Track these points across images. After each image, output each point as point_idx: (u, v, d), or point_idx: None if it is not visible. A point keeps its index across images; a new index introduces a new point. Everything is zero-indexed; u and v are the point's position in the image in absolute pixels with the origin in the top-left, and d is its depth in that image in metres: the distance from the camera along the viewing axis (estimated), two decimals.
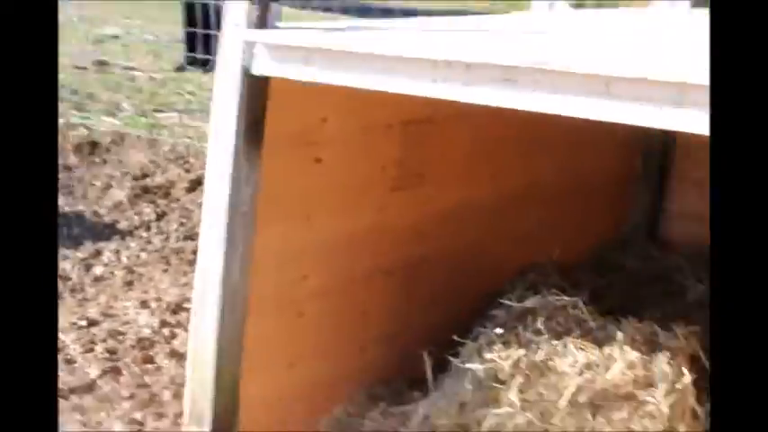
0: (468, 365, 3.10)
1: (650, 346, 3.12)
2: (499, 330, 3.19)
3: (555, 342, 3.09)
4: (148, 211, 5.55)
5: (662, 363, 3.05)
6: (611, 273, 4.25)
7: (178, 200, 5.75)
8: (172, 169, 6.17)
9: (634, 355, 3.05)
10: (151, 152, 6.47)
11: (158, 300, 4.47)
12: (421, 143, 3.42)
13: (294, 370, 3.20)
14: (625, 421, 2.99)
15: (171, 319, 4.29)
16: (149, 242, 5.18)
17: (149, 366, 3.90)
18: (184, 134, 6.98)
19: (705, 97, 2.17)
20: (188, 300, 3.98)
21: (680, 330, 3.16)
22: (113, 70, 9.15)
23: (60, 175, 5.20)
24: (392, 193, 3.38)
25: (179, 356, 3.88)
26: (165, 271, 4.83)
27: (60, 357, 3.65)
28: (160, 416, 3.56)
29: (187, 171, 6.11)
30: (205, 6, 9.14)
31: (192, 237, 5.09)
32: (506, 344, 3.11)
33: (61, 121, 6.33)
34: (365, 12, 11.43)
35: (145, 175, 6.04)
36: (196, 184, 5.70)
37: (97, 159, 6.18)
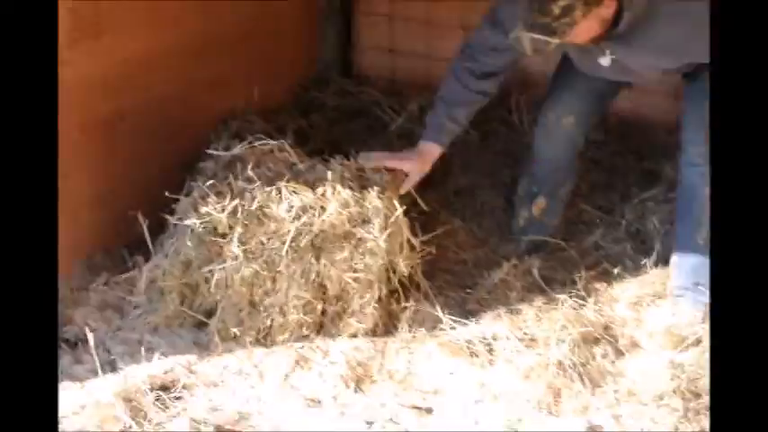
0: (185, 222, 3.01)
1: (359, 183, 3.16)
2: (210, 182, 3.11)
3: (268, 188, 3.06)
4: None
5: (374, 198, 3.10)
6: (313, 112, 4.23)
7: None
8: None
9: (346, 194, 3.08)
10: None
11: None
12: None
13: None
14: (347, 260, 3.03)
15: None
16: None
17: None
18: None
19: None
20: None
21: None
22: None
23: None
24: (70, 47, 3.13)
25: None
26: None
27: None
28: None
29: None
30: None
31: None
32: (220, 195, 3.05)
33: None
34: None
35: None
36: None
37: None
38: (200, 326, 3.04)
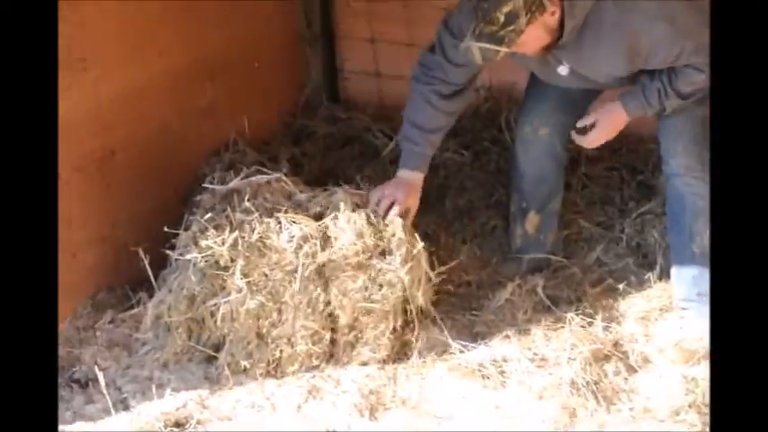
0: (187, 257, 2.98)
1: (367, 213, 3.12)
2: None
3: (267, 219, 3.04)
4: None
5: (398, 230, 3.07)
6: (304, 140, 4.22)
7: None
8: None
9: (361, 223, 3.04)
10: None
11: None
12: (77, 24, 3.15)
13: None
14: (360, 290, 3.00)
15: None
16: None
17: None
18: None
19: None
20: None
21: None
22: None
23: None
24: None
25: None
26: None
27: None
28: None
29: None
30: None
31: None
32: (219, 228, 3.02)
33: None
34: None
35: None
36: None
37: None
38: (209, 360, 3.02)
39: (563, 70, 3.12)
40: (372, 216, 3.08)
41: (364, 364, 3.02)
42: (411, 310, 3.08)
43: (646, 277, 3.40)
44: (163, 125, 3.58)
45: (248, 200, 3.09)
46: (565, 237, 3.66)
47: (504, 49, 2.86)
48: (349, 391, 2.88)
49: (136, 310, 3.12)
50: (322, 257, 2.98)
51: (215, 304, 2.94)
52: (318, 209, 3.11)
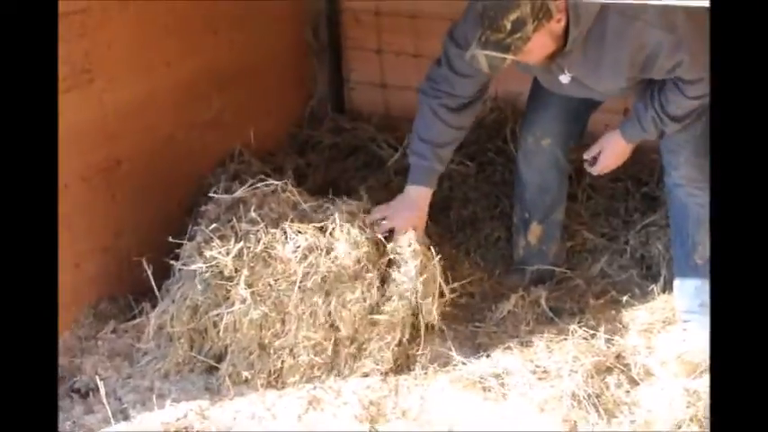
0: (191, 267, 2.99)
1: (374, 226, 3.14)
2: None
3: (272, 230, 3.04)
4: None
5: (413, 241, 3.08)
6: (309, 151, 4.23)
7: None
8: None
9: (357, 234, 3.05)
10: None
11: None
12: (82, 35, 3.16)
13: None
14: (359, 301, 3.00)
15: None
16: None
17: None
18: None
19: None
20: None
21: None
22: None
23: None
24: (63, 95, 3.10)
25: None
26: None
27: None
28: None
29: None
30: None
31: None
32: (223, 238, 3.02)
33: None
34: None
35: None
36: None
37: None
38: (211, 371, 3.02)
39: (564, 78, 3.13)
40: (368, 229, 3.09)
41: (366, 375, 3.02)
42: (420, 324, 3.08)
43: (649, 289, 3.40)
44: (168, 136, 3.60)
45: (254, 210, 3.09)
46: (569, 248, 3.66)
47: (510, 57, 2.85)
48: (349, 402, 2.88)
49: (138, 320, 3.13)
50: (323, 268, 2.98)
51: (218, 314, 2.95)
52: (321, 218, 3.11)
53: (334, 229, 3.05)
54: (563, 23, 2.90)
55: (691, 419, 2.79)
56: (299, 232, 3.03)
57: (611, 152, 3.28)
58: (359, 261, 3.01)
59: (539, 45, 2.90)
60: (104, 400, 2.81)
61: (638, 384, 2.98)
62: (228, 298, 2.96)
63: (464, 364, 3.03)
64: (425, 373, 3.02)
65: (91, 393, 2.91)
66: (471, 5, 3.05)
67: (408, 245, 3.06)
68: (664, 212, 3.62)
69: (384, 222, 3.16)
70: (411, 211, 3.19)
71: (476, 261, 3.60)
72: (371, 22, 4.58)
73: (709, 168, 3.11)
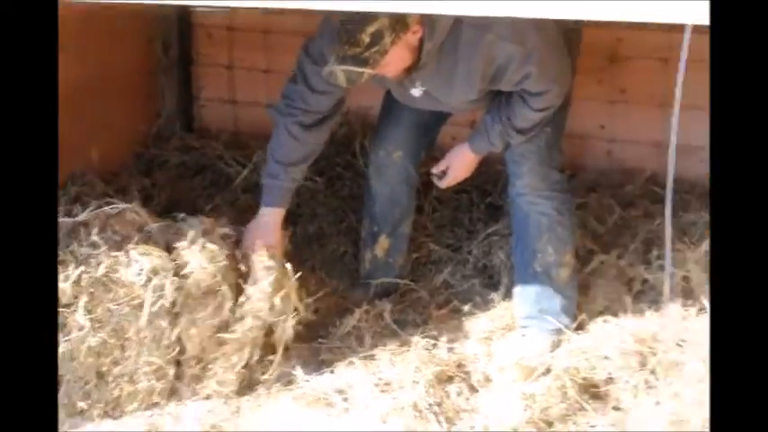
0: None
1: (225, 241, 3.13)
2: None
3: (115, 253, 3.00)
4: None
5: (264, 258, 3.08)
6: (155, 170, 4.19)
7: None
8: None
9: (213, 248, 3.04)
10: None
11: None
12: None
13: None
14: (210, 318, 2.99)
15: None
16: None
17: None
18: None
19: None
20: None
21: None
22: None
23: None
24: None
25: None
26: None
27: None
28: None
29: None
30: None
31: None
32: (63, 264, 2.96)
33: None
34: None
35: None
36: None
37: None
38: None
39: (416, 92, 3.19)
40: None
41: (208, 397, 3.01)
42: (272, 342, 3.08)
43: (490, 297, 3.48)
44: None
45: (96, 233, 3.04)
46: (414, 260, 3.72)
47: (368, 71, 2.88)
48: (190, 427, 2.86)
49: None
50: (168, 289, 2.96)
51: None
52: (168, 238, 3.08)
53: (186, 245, 3.03)
54: (419, 35, 2.95)
55: (527, 422, 2.87)
56: (144, 254, 3.01)
57: (459, 165, 3.36)
58: (214, 276, 3.00)
59: (396, 58, 2.94)
60: None
61: (477, 391, 3.05)
62: (66, 326, 2.90)
63: (307, 381, 3.05)
64: (269, 393, 3.04)
65: None
66: (326, 21, 3.07)
67: (262, 262, 3.07)
68: (506, 222, 3.71)
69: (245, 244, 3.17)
70: (266, 234, 3.20)
71: (321, 277, 3.62)
72: (224, 38, 4.58)
73: (552, 177, 3.27)
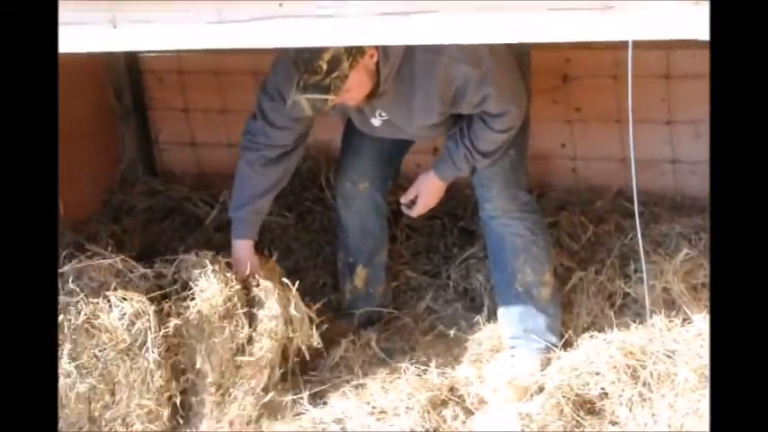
0: None
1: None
2: None
3: (95, 300, 2.96)
4: None
5: (260, 280, 3.10)
6: (123, 216, 4.15)
7: None
8: None
9: (224, 278, 3.03)
10: None
11: None
12: None
13: None
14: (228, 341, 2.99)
15: None
16: None
17: None
18: None
19: None
20: None
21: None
22: None
23: None
24: None
25: None
26: None
27: None
28: None
29: None
30: None
31: None
32: None
33: None
34: None
35: None
36: None
37: None
38: None
39: (376, 121, 3.19)
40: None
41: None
42: (291, 358, 3.11)
43: (475, 320, 3.48)
44: None
45: (72, 281, 3.01)
46: (394, 288, 3.72)
47: (331, 97, 2.88)
48: None
49: None
50: (172, 325, 2.94)
51: None
52: (147, 284, 3.06)
53: (196, 276, 3.02)
54: (375, 59, 2.96)
55: None
56: (125, 299, 2.97)
57: (427, 192, 3.36)
58: (229, 299, 2.99)
59: (356, 83, 2.94)
60: None
61: (472, 414, 3.04)
62: None
63: (300, 414, 3.03)
64: (270, 423, 3.02)
65: None
66: (278, 58, 3.09)
67: (258, 285, 3.07)
68: (481, 245, 3.72)
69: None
70: (244, 264, 3.19)
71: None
72: (175, 82, 4.56)
73: (521, 197, 3.29)
